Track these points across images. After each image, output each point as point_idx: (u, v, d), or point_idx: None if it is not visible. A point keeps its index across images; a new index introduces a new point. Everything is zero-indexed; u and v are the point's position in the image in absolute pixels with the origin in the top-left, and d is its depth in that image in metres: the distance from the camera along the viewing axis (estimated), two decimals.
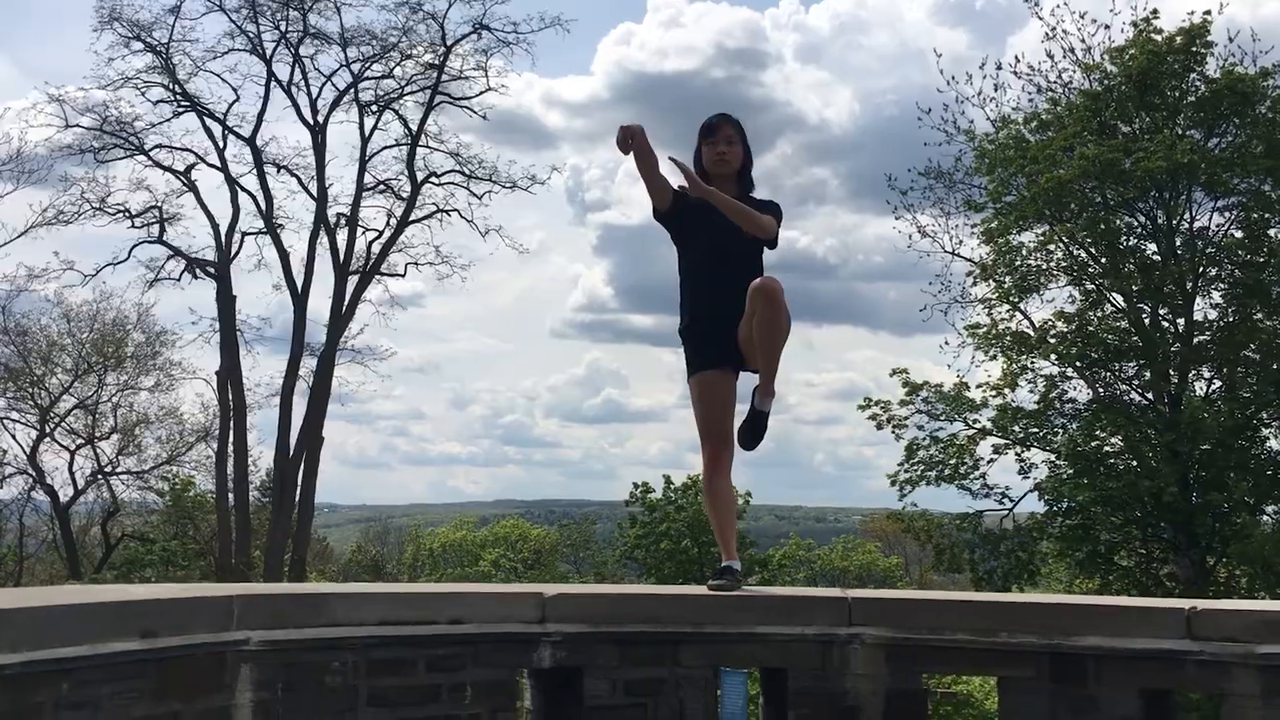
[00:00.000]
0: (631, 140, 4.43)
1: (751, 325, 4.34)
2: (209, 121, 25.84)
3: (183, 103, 25.31)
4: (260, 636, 3.35)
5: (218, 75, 28.57)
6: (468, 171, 26.58)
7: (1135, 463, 19.33)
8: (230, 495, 25.91)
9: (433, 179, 26.55)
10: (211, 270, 25.56)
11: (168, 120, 25.83)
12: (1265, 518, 18.99)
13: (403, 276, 27.58)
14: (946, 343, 21.99)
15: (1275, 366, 19.54)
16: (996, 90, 24.92)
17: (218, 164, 25.91)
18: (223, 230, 25.75)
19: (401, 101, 26.81)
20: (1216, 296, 20.61)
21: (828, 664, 4.05)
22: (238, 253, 25.77)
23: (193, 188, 26.06)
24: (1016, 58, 22.75)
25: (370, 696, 3.57)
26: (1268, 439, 20.63)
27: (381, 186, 27.14)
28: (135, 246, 25.57)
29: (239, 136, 25.73)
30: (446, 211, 26.74)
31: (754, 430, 4.51)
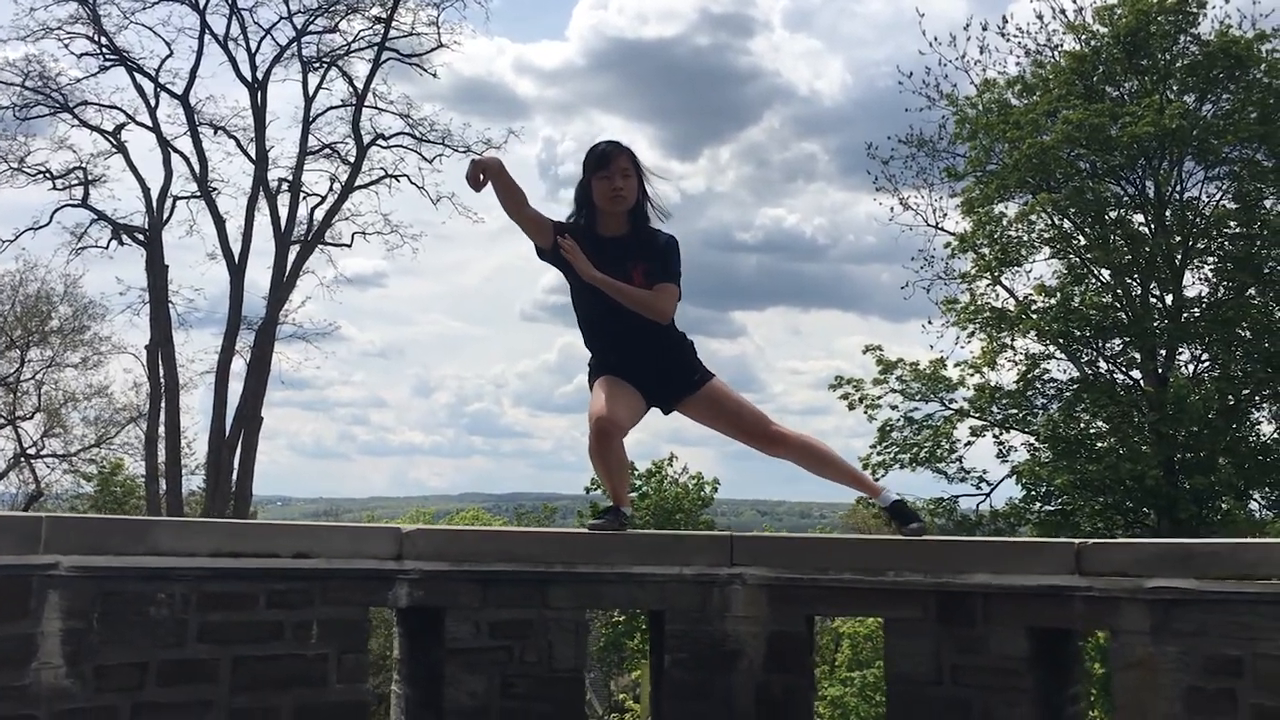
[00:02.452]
0: (484, 175, 4.27)
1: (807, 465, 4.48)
2: (139, 78, 25.57)
3: (109, 57, 25.04)
4: (72, 562, 3.31)
5: (149, 28, 28.27)
6: (418, 134, 26.42)
7: (1118, 445, 19.46)
8: (162, 479, 25.70)
9: (380, 141, 26.37)
10: (140, 237, 25.30)
11: (94, 75, 25.55)
12: (1253, 503, 19.16)
13: (349, 246, 27.40)
14: (930, 321, 22.02)
15: (1267, 345, 19.67)
16: (982, 53, 25.07)
17: (149, 123, 25.65)
18: (154, 195, 25.51)
19: (348, 59, 26.62)
20: (1207, 271, 20.75)
21: (707, 605, 4.06)
22: (169, 218, 25.53)
23: (122, 149, 25.76)
24: (1005, 18, 22.70)
25: (201, 631, 3.55)
26: (1259, 422, 20.84)
27: (326, 150, 26.91)
28: (57, 210, 25.28)
29: (171, 94, 25.46)
30: (395, 177, 26.58)
31: (901, 515, 4.39)
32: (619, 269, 4.36)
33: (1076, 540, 3.76)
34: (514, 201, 4.37)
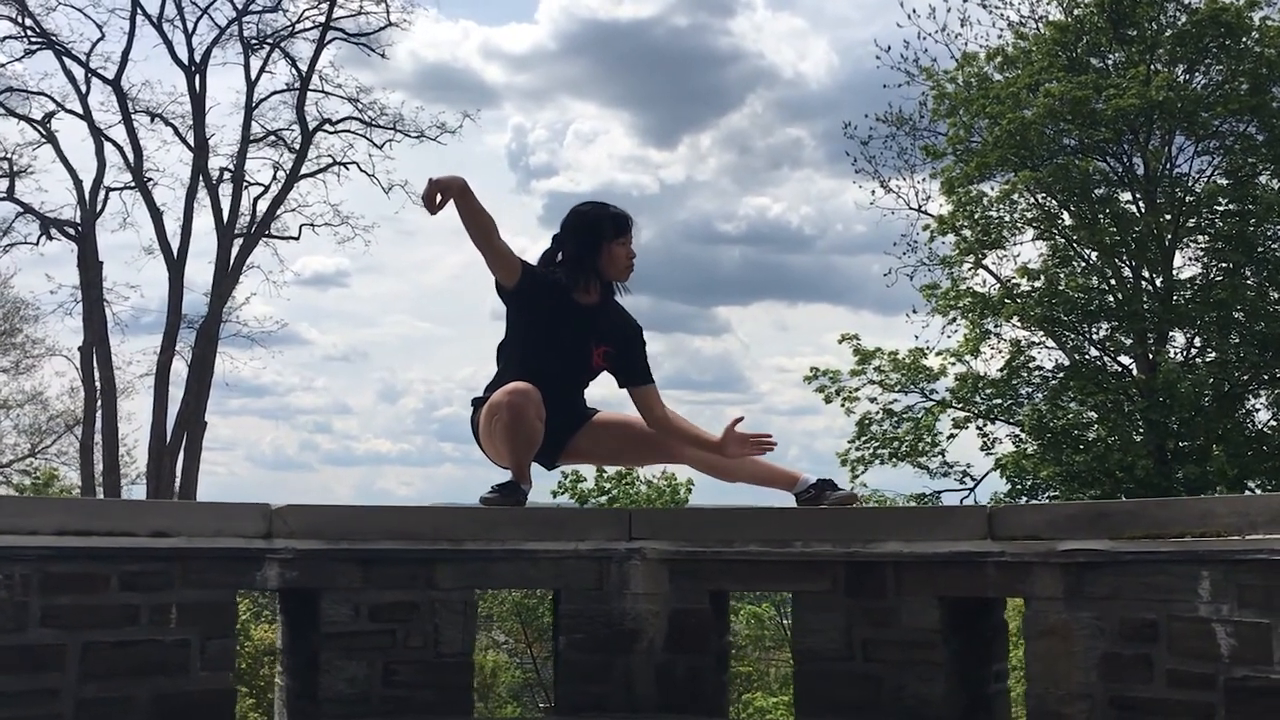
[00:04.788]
0: (443, 196, 4.10)
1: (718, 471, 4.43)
2: (69, 63, 25.37)
3: (36, 40, 24.83)
4: None
5: (79, 9, 28.10)
6: (367, 119, 26.31)
7: (1107, 434, 19.52)
8: (99, 490, 25.51)
9: (327, 127, 26.26)
10: (71, 231, 25.12)
11: (19, 59, 25.35)
12: (1249, 494, 19.23)
13: (296, 239, 27.28)
14: (914, 310, 21.98)
15: (1262, 328, 19.76)
16: (963, 25, 25.06)
17: (79, 111, 25.46)
18: (86, 187, 25.30)
19: (291, 40, 26.47)
20: (1197, 250, 20.84)
21: (605, 583, 4.02)
22: (102, 211, 25.36)
23: (51, 138, 25.55)
24: None
25: (45, 615, 3.47)
26: (1256, 409, 20.95)
27: (271, 137, 26.76)
28: None
29: (103, 79, 25.26)
30: (344, 164, 26.46)
31: (826, 485, 4.31)
32: (582, 343, 4.38)
33: (989, 504, 3.73)
34: (482, 230, 4.25)
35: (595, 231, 4.41)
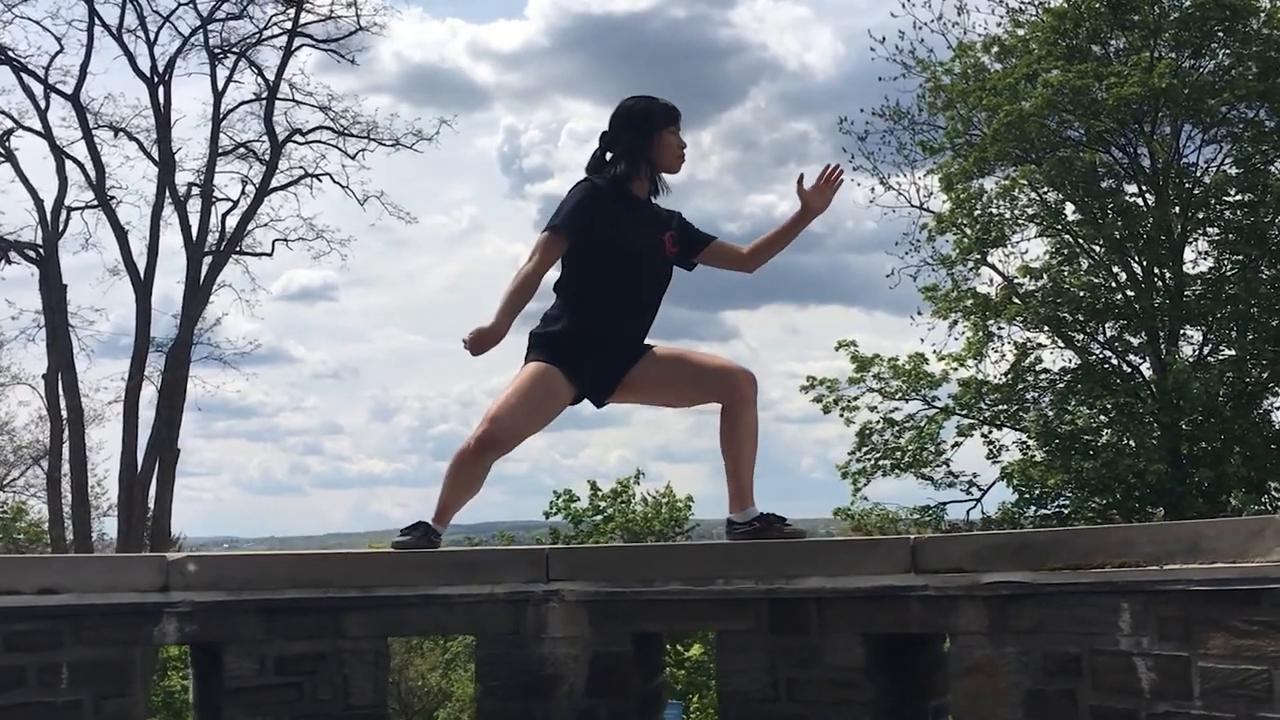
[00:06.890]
0: (486, 344, 4.25)
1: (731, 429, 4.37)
2: (26, 78, 25.44)
3: None
4: None
5: (36, 22, 28.23)
6: (339, 128, 26.36)
7: (1120, 438, 19.50)
8: (68, 522, 25.54)
9: (297, 137, 26.30)
10: (33, 253, 25.17)
11: None
12: (1267, 497, 19.22)
13: (269, 255, 27.33)
14: (919, 312, 21.95)
15: (1276, 323, 19.75)
16: (960, 14, 25.06)
17: (38, 128, 25.53)
18: (47, 207, 25.33)
19: (258, 48, 26.52)
20: (1204, 244, 20.82)
21: (522, 627, 4.03)
22: (64, 231, 25.40)
23: (10, 157, 25.62)
24: None
25: None
26: (1276, 408, 20.90)
27: (240, 150, 26.81)
28: None
29: (61, 94, 25.34)
30: (316, 176, 26.50)
31: (775, 519, 4.27)
32: (647, 232, 4.51)
33: (913, 536, 3.75)
34: (534, 289, 4.41)
35: (647, 121, 4.56)
